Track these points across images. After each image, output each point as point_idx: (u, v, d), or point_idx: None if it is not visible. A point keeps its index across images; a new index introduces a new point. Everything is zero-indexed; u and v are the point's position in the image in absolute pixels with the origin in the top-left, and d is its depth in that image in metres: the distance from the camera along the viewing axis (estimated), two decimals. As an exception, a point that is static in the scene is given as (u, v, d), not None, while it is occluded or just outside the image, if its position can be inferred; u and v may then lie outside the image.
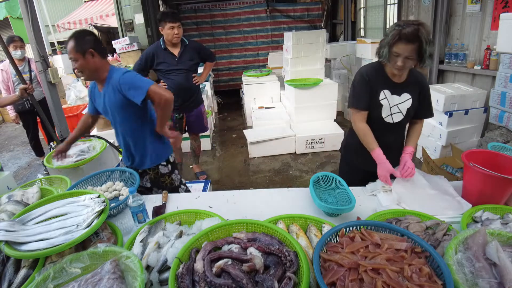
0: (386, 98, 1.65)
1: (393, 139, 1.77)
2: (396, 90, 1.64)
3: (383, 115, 1.68)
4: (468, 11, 3.63)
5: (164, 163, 2.04)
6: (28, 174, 4.44)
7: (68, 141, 2.04)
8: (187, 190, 2.23)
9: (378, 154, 1.61)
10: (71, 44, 1.65)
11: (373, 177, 1.66)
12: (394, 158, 1.68)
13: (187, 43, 3.04)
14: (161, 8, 7.63)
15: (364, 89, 1.64)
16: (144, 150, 1.94)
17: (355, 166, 1.88)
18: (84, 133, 2.17)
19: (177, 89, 2.97)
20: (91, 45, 1.66)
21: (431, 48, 1.47)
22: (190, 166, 3.95)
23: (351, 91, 1.72)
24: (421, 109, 1.71)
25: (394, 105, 1.66)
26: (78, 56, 1.64)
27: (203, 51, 3.17)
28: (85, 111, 4.72)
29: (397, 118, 1.68)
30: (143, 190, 2.09)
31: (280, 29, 7.92)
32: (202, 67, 3.37)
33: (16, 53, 3.77)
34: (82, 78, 1.85)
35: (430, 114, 1.74)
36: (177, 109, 3.14)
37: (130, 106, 1.76)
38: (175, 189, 2.11)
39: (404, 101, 1.65)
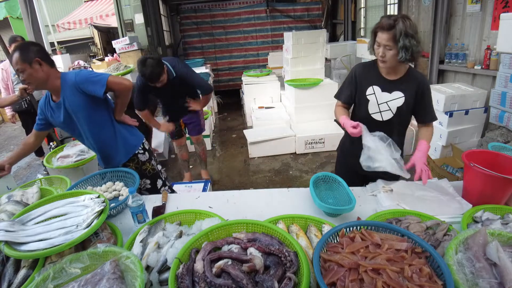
0: (374, 94, 1.65)
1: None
2: (388, 87, 1.63)
3: (370, 111, 1.68)
4: (468, 11, 3.63)
5: (142, 151, 2.07)
6: (28, 174, 4.44)
7: (10, 161, 1.84)
8: (173, 191, 2.25)
9: (343, 119, 1.63)
10: (16, 56, 1.59)
11: (366, 179, 1.68)
12: None
13: (174, 75, 2.76)
14: (161, 8, 7.63)
15: (347, 84, 1.74)
16: (116, 143, 1.94)
17: (348, 168, 1.87)
18: (27, 154, 1.99)
19: (166, 109, 3.07)
20: (37, 55, 1.62)
21: (408, 41, 1.44)
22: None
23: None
24: (419, 111, 1.65)
25: (383, 102, 1.64)
26: (25, 66, 1.59)
27: (192, 81, 2.87)
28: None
29: (387, 116, 1.65)
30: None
31: (280, 29, 7.93)
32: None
33: None
34: (32, 88, 1.83)
35: (430, 117, 1.65)
36: (172, 115, 3.15)
37: (93, 103, 1.77)
38: (157, 175, 2.15)
39: (395, 98, 1.62)
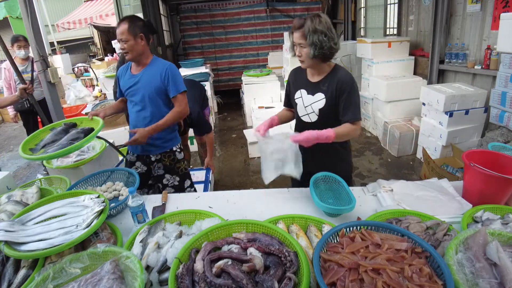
0: (301, 97, 1.68)
1: None
2: (312, 89, 1.64)
3: (300, 114, 1.72)
4: (469, 11, 3.63)
5: (179, 150, 2.18)
6: (27, 174, 4.43)
7: (104, 112, 2.00)
8: (195, 190, 2.35)
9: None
10: (124, 26, 1.82)
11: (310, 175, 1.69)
12: (317, 162, 1.70)
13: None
14: (161, 8, 7.62)
15: (286, 89, 1.83)
16: (157, 135, 2.03)
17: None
18: (117, 113, 2.27)
19: None
20: (142, 30, 1.86)
21: (317, 37, 1.45)
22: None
23: None
24: (339, 109, 1.58)
25: (309, 105, 1.65)
26: (130, 38, 1.83)
27: None
28: (86, 110, 4.73)
29: (313, 118, 1.66)
30: (148, 181, 2.21)
31: (280, 29, 7.92)
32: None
33: (20, 53, 3.82)
34: (126, 59, 1.97)
35: (348, 116, 1.55)
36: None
37: (161, 92, 1.95)
38: (187, 175, 2.25)
39: (317, 101, 1.62)
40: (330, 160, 1.73)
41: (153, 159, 2.11)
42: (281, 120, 1.83)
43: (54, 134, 1.74)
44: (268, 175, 1.53)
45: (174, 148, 2.14)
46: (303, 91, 1.68)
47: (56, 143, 1.67)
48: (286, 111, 1.87)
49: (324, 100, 1.60)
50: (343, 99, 1.56)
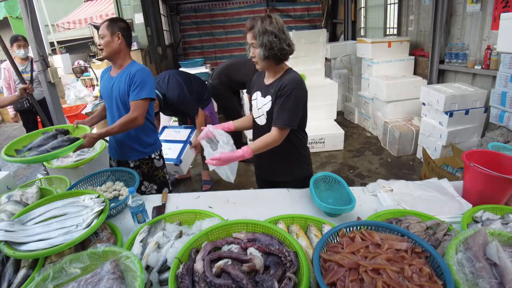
0: (256, 99, 1.67)
1: None
2: (264, 92, 1.63)
3: (254, 116, 1.71)
4: (469, 11, 3.63)
5: (158, 157, 2.14)
6: (27, 174, 4.43)
7: (91, 121, 2.02)
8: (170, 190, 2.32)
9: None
10: (104, 24, 1.85)
11: (277, 184, 1.73)
12: (269, 165, 1.73)
13: (162, 105, 2.87)
14: (161, 8, 7.62)
15: (249, 93, 1.79)
16: (135, 140, 2.01)
17: (258, 176, 1.93)
18: (102, 119, 2.19)
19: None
20: (120, 30, 1.86)
21: (267, 38, 1.44)
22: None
23: None
24: (274, 112, 1.54)
25: (261, 107, 1.64)
26: (106, 34, 1.83)
27: (181, 107, 2.94)
28: (86, 111, 4.74)
29: (263, 121, 1.64)
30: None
31: None
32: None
33: (19, 52, 3.82)
34: (101, 55, 1.99)
35: (277, 121, 1.50)
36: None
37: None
38: (165, 184, 2.22)
39: (266, 103, 1.60)
40: (285, 164, 1.72)
41: (131, 165, 2.08)
42: (238, 126, 1.76)
43: (43, 139, 1.70)
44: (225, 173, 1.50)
45: (153, 155, 2.11)
46: (258, 93, 1.67)
47: (40, 148, 1.63)
48: (246, 118, 1.81)
49: (270, 102, 1.57)
50: (278, 102, 1.52)
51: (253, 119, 1.73)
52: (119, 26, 1.86)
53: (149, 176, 2.13)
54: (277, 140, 1.52)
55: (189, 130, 3.06)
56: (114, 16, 6.79)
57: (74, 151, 1.74)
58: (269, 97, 1.58)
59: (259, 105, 1.65)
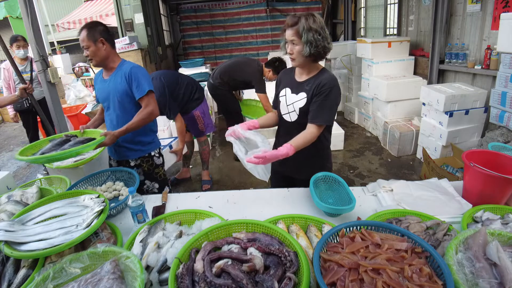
0: (285, 95, 1.68)
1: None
2: (296, 89, 1.64)
3: (282, 112, 1.71)
4: (469, 11, 3.63)
5: (157, 155, 2.16)
6: (27, 174, 4.43)
7: (94, 126, 2.07)
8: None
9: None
10: (83, 33, 1.80)
11: (294, 182, 1.74)
12: (293, 161, 1.67)
13: None
14: (161, 8, 7.62)
15: (275, 90, 1.79)
16: (134, 139, 2.02)
17: (274, 171, 1.92)
18: (102, 123, 2.21)
19: None
20: (101, 35, 1.83)
21: (312, 35, 1.45)
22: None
23: None
24: (311, 110, 1.56)
25: (291, 104, 1.64)
26: (90, 44, 1.80)
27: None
28: (86, 110, 4.74)
29: (293, 117, 1.65)
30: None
31: (280, 29, 7.92)
32: None
33: (19, 53, 3.83)
34: (92, 65, 1.98)
35: (317, 118, 1.53)
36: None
37: (130, 95, 1.92)
38: (166, 181, 2.25)
39: (299, 100, 1.61)
40: (310, 164, 1.73)
41: (132, 164, 2.09)
42: (262, 124, 1.76)
43: (53, 145, 1.70)
44: (260, 172, 1.48)
45: (153, 153, 2.12)
46: (288, 90, 1.67)
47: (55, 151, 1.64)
48: (270, 116, 1.81)
49: (305, 99, 1.59)
50: (317, 100, 1.54)
51: (281, 115, 1.72)
52: (99, 30, 1.83)
53: (150, 174, 2.14)
54: (316, 137, 1.55)
55: (170, 140, 3.17)
56: (115, 16, 6.79)
57: (95, 149, 1.72)
58: (303, 94, 1.59)
59: (288, 102, 1.65)
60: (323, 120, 1.54)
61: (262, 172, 1.47)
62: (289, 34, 1.51)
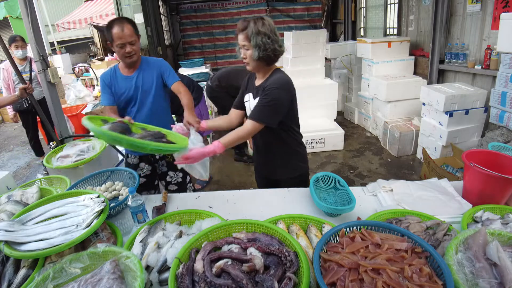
0: (249, 101, 1.70)
1: (262, 142, 1.75)
2: (255, 93, 1.65)
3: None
4: (469, 11, 3.63)
5: None
6: (27, 174, 4.43)
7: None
8: (193, 185, 2.39)
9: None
10: (130, 28, 1.76)
11: (279, 184, 1.75)
12: (266, 163, 1.76)
13: None
14: (161, 8, 7.62)
15: (239, 94, 1.81)
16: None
17: (259, 173, 1.96)
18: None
19: None
20: (137, 30, 1.84)
21: (261, 39, 1.45)
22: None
23: None
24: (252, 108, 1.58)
25: (253, 108, 1.64)
26: (136, 39, 1.80)
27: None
28: (86, 110, 4.73)
29: None
30: (148, 179, 2.18)
31: (280, 29, 7.88)
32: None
33: (17, 53, 3.83)
34: (128, 62, 1.88)
35: (253, 116, 1.53)
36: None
37: (161, 88, 1.97)
38: (187, 173, 2.23)
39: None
40: (282, 162, 1.75)
41: (157, 156, 2.11)
42: (211, 126, 1.78)
43: (148, 134, 1.50)
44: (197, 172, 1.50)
45: None
46: (250, 95, 1.69)
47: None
48: (223, 118, 1.84)
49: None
50: (260, 99, 1.54)
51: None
52: (135, 25, 1.83)
53: (174, 165, 2.10)
54: (250, 132, 1.53)
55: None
56: (115, 16, 6.79)
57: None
58: (258, 99, 1.59)
59: (251, 106, 1.65)
60: (259, 117, 1.51)
61: (198, 172, 1.47)
62: (240, 39, 1.52)
